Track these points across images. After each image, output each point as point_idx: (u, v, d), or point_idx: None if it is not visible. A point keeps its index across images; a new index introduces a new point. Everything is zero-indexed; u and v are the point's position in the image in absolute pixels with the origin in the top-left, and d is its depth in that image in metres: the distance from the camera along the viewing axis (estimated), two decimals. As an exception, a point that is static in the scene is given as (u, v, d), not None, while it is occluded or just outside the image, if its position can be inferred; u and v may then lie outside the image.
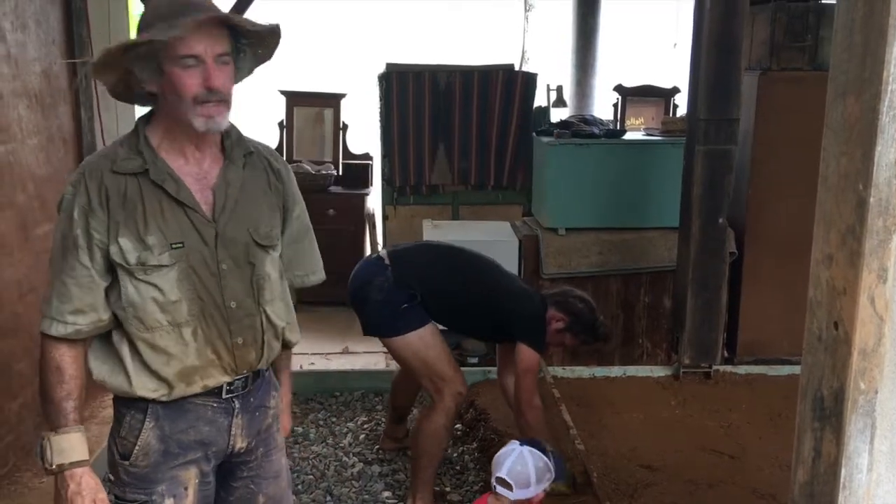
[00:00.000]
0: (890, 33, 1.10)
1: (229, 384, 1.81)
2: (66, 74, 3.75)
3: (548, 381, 4.07)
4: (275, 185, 1.88)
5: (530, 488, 2.51)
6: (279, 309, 1.87)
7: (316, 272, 2.03)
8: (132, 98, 1.77)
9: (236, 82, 1.81)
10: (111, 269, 1.70)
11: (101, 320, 1.71)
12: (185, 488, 1.81)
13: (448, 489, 3.37)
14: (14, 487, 3.10)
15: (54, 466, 1.69)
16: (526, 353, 3.10)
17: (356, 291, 3.16)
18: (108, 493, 1.78)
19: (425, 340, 3.07)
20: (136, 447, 1.76)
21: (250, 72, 1.84)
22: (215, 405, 1.81)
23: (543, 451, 2.59)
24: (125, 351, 1.73)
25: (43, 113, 3.52)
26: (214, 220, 1.75)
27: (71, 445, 1.70)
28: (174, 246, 1.70)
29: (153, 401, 1.75)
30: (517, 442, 2.60)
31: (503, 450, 2.60)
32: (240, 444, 1.87)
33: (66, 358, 1.71)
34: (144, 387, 1.73)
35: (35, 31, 3.47)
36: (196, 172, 1.76)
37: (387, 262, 3.13)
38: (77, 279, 1.68)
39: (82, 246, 1.68)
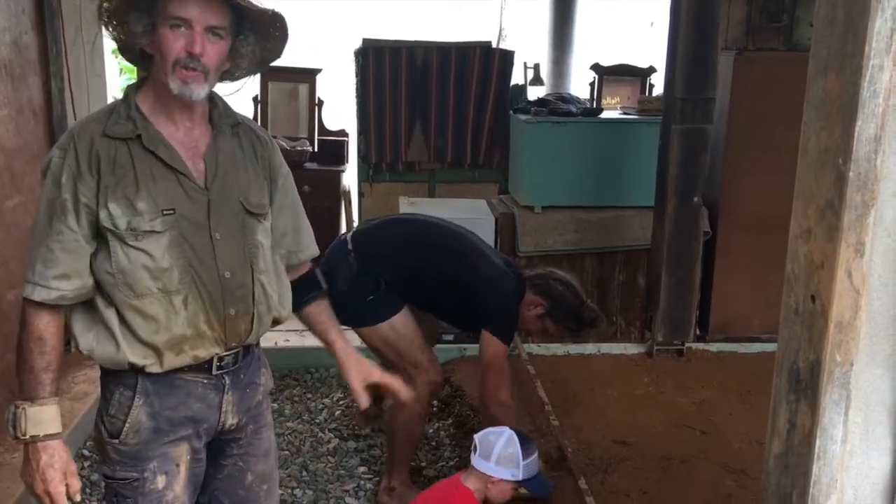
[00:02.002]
0: (872, 7, 1.11)
1: (220, 360, 1.79)
2: (35, 45, 3.67)
3: (523, 357, 4.09)
4: (261, 156, 1.87)
5: (489, 463, 2.52)
6: (272, 280, 1.85)
7: (311, 245, 2.00)
8: (131, 55, 1.76)
9: (240, 75, 1.83)
10: (97, 235, 1.68)
11: (86, 286, 1.69)
12: (177, 465, 1.80)
13: (424, 464, 3.38)
14: (-15, 463, 3.06)
15: (28, 437, 1.67)
16: (490, 343, 2.88)
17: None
18: (96, 471, 1.76)
19: (395, 330, 2.93)
20: (126, 424, 1.74)
21: (255, 64, 1.83)
22: (205, 381, 1.80)
23: (530, 452, 2.57)
24: (112, 318, 1.70)
25: (13, 84, 3.44)
26: (206, 188, 1.74)
27: (48, 417, 1.68)
28: (165, 213, 1.68)
29: (144, 374, 1.73)
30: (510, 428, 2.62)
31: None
32: (230, 421, 1.85)
33: (48, 327, 1.68)
34: (134, 354, 1.71)
35: (4, 0, 3.39)
36: (187, 141, 1.75)
37: (350, 247, 2.97)
38: (64, 244, 1.65)
39: (70, 210, 1.65)
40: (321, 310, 2.02)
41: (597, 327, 3.12)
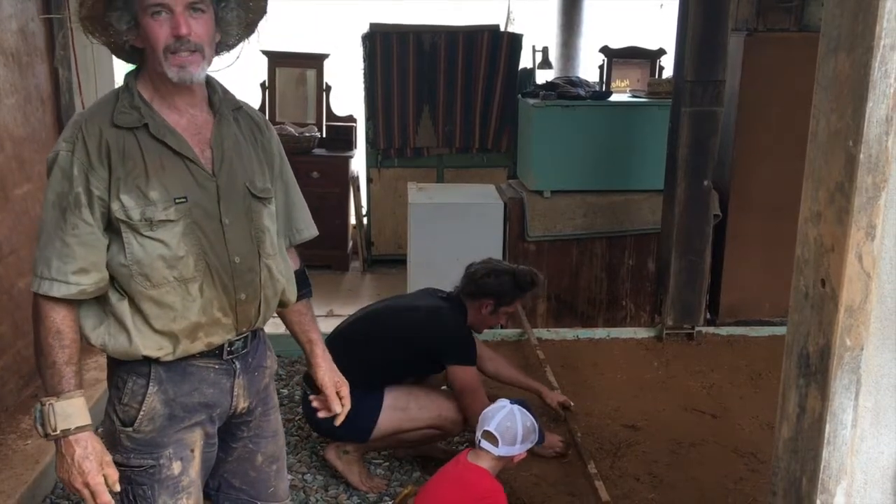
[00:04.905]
0: (884, -13, 1.09)
1: (230, 345, 1.81)
2: (42, 32, 3.67)
3: (532, 342, 4.09)
4: (261, 141, 1.88)
5: (515, 446, 2.53)
6: (279, 264, 1.87)
7: (309, 227, 2.01)
8: (125, 54, 1.75)
9: (233, 42, 1.81)
10: (108, 227, 1.68)
11: (104, 280, 1.68)
12: (192, 451, 1.81)
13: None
14: (-2, 449, 3.09)
15: (59, 432, 1.65)
16: (456, 373, 2.94)
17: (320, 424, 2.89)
18: None
19: (392, 418, 2.94)
20: (141, 413, 1.74)
21: (244, 27, 1.81)
22: (217, 367, 1.81)
23: (532, 412, 2.62)
24: (125, 310, 1.70)
25: (20, 72, 3.45)
26: (214, 175, 1.74)
27: (75, 410, 1.66)
28: (178, 201, 1.68)
29: (156, 362, 1.73)
30: (507, 400, 2.62)
31: (492, 406, 2.62)
32: (242, 404, 1.88)
33: (65, 320, 1.66)
34: (147, 346, 1.71)
35: (10, -13, 3.38)
36: (191, 128, 1.74)
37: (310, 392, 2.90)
38: (80, 238, 1.64)
39: (84, 203, 1.63)
40: (305, 309, 2.03)
41: (539, 281, 3.18)
